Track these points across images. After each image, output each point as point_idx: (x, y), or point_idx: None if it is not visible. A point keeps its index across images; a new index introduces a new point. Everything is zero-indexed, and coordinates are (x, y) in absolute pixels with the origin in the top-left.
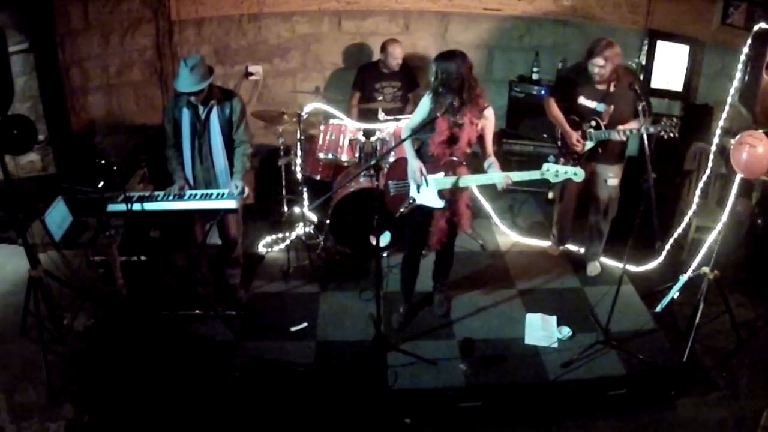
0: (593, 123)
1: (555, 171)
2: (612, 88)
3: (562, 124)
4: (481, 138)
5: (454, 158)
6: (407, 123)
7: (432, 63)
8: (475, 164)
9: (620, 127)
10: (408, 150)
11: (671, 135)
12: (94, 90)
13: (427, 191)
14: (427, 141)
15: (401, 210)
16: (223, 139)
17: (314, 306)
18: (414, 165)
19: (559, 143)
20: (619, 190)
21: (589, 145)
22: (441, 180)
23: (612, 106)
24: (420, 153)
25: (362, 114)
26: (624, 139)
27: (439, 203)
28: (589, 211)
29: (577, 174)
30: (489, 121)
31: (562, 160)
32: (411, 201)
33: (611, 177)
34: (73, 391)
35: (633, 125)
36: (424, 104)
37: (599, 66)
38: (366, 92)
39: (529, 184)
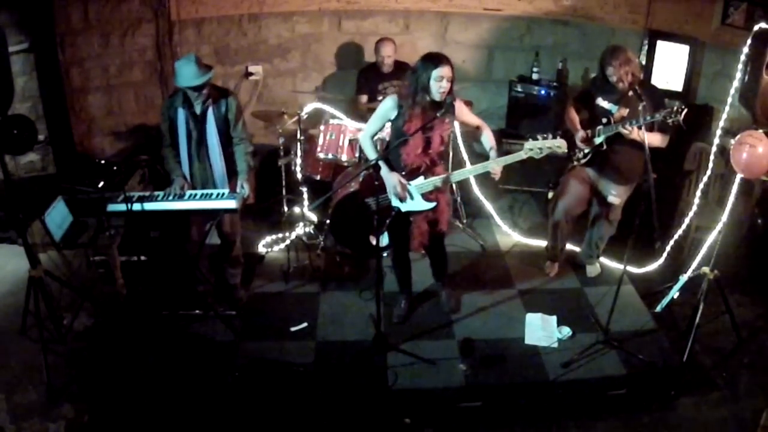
0: (603, 121)
1: (538, 147)
2: (629, 93)
3: (572, 124)
4: (464, 125)
5: (430, 160)
6: (364, 131)
7: (417, 64)
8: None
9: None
10: (381, 163)
11: (675, 122)
12: (94, 90)
13: (410, 199)
14: (396, 149)
15: (386, 221)
16: (219, 137)
17: (314, 306)
18: (392, 180)
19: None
20: (620, 213)
21: (598, 140)
22: (423, 184)
23: (627, 110)
24: (389, 161)
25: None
26: (628, 132)
27: (427, 205)
28: (589, 218)
29: (560, 146)
30: (460, 108)
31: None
32: (395, 210)
33: (614, 195)
34: (73, 391)
35: (654, 138)
36: (387, 108)
37: (610, 75)
38: (370, 94)
39: (530, 184)
